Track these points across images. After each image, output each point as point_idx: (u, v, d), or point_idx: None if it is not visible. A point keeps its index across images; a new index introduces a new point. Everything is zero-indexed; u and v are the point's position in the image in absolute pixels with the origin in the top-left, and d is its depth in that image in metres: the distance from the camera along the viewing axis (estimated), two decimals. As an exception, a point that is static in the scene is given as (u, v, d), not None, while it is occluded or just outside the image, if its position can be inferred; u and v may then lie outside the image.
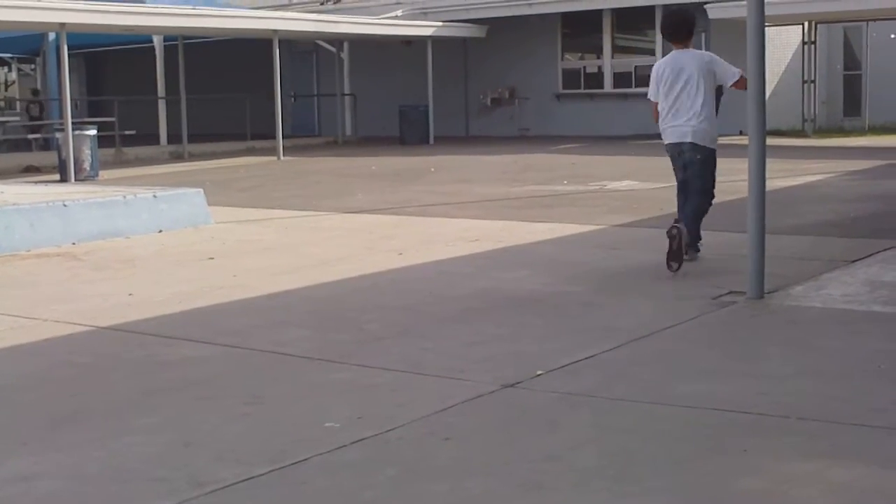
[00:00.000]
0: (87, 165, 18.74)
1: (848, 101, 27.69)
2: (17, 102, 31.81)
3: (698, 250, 8.06)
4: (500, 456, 3.96)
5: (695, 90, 7.89)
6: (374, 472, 3.81)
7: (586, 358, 5.32)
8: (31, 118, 28.14)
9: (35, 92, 31.02)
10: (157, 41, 26.87)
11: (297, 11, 25.72)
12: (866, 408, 4.43)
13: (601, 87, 27.17)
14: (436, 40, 26.67)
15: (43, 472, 3.92)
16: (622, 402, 4.62)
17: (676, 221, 7.68)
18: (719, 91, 8.09)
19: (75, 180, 18.02)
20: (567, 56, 28.04)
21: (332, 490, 3.68)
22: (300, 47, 30.81)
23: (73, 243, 9.85)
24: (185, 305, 6.95)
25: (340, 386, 4.99)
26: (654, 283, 7.34)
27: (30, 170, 20.81)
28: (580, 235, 9.86)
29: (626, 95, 26.37)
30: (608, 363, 5.26)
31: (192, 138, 24.75)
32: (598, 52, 27.53)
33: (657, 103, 8.21)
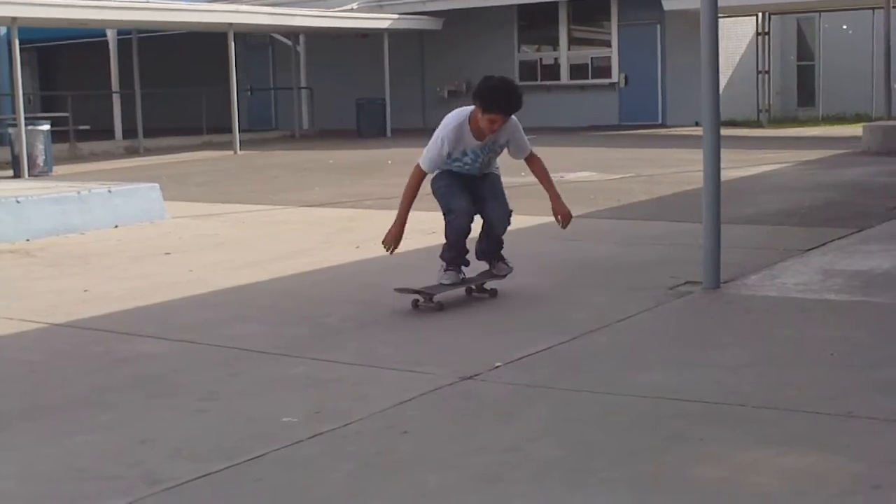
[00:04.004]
0: (40, 161, 18.54)
1: (802, 92, 27.96)
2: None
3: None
4: (458, 448, 3.96)
5: None
6: (331, 467, 3.80)
7: (544, 349, 5.33)
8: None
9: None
10: (111, 35, 26.62)
11: (252, 4, 25.55)
12: (819, 395, 4.47)
13: (558, 78, 27.25)
14: (392, 33, 26.62)
15: (-4, 471, 3.88)
16: (579, 393, 4.64)
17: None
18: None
19: (29, 176, 17.83)
20: (524, 48, 28.09)
21: (288, 486, 3.66)
22: (255, 40, 30.65)
23: (27, 240, 9.75)
24: (141, 301, 6.89)
25: (298, 380, 4.97)
26: (612, 275, 7.37)
27: (-18, 166, 20.57)
28: (537, 227, 9.86)
29: (582, 87, 26.45)
30: (565, 355, 5.27)
31: (148, 133, 24.56)
32: (555, 44, 27.60)
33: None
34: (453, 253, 6.69)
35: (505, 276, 6.81)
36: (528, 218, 10.34)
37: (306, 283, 7.43)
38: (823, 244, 8.17)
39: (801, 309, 6.18)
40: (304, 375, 5.05)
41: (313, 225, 10.55)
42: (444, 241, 6.77)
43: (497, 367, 5.02)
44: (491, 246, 6.81)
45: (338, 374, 5.04)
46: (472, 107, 6.39)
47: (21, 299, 7.08)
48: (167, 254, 8.88)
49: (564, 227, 6.75)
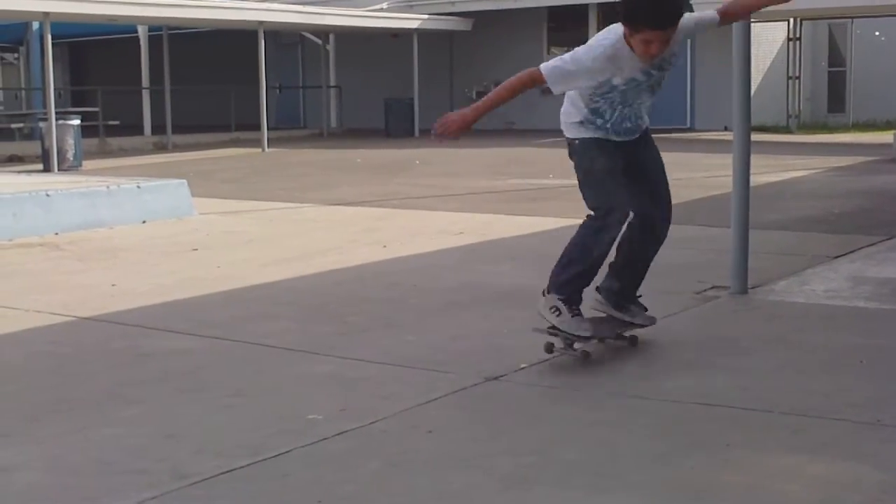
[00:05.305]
0: (70, 155, 18.68)
1: (832, 98, 27.83)
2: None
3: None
4: (482, 449, 3.96)
5: None
6: (356, 465, 3.80)
7: (569, 352, 5.31)
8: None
9: None
10: (142, 31, 26.78)
11: (283, 3, 25.63)
12: (847, 403, 4.44)
13: (587, 81, 27.16)
14: (421, 33, 26.65)
15: (23, 463, 3.90)
16: (605, 396, 4.62)
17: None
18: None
19: (59, 170, 17.95)
20: (553, 50, 28.03)
21: (313, 483, 3.67)
22: (286, 39, 30.75)
23: (56, 233, 9.81)
24: (168, 296, 6.92)
25: (323, 378, 4.98)
26: (638, 278, 7.34)
27: (13, 159, 20.73)
28: (565, 229, 9.79)
29: (611, 90, 26.37)
30: (591, 357, 5.25)
31: (177, 129, 24.68)
32: (584, 46, 27.53)
33: None
34: (583, 281, 5.02)
35: (648, 325, 5.35)
36: (557, 220, 10.33)
37: (333, 282, 7.44)
38: (852, 251, 8.11)
39: (830, 316, 6.14)
40: (330, 373, 5.06)
41: (340, 223, 10.57)
42: (561, 253, 5.06)
43: (522, 368, 5.02)
44: (637, 271, 5.22)
45: (364, 372, 5.05)
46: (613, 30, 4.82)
47: (50, 293, 7.13)
48: (195, 250, 8.92)
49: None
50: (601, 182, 4.95)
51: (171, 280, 7.52)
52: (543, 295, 5.05)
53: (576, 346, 5.05)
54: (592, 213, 4.97)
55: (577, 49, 4.83)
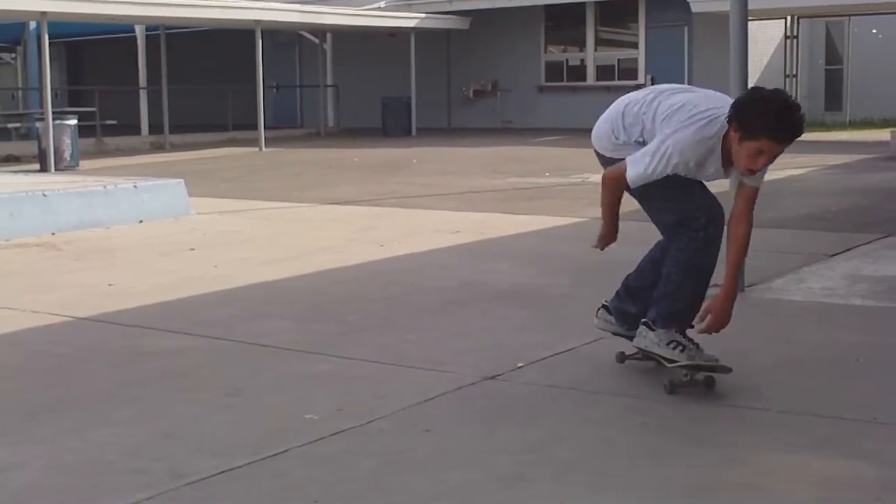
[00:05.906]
0: (67, 155, 18.65)
1: (829, 96, 27.81)
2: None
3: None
4: (480, 448, 3.96)
5: None
6: (353, 464, 3.80)
7: (567, 350, 5.32)
8: None
9: None
10: (139, 31, 26.74)
11: (280, 2, 25.61)
12: (844, 401, 4.45)
13: (584, 79, 27.19)
14: (419, 32, 26.64)
15: (20, 462, 3.90)
16: (603, 394, 4.63)
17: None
18: None
19: (56, 170, 17.92)
20: (550, 49, 28.04)
21: (311, 482, 3.67)
22: (283, 38, 30.71)
23: (53, 233, 9.80)
24: (166, 296, 6.92)
25: (321, 377, 4.98)
26: (636, 276, 7.34)
27: (9, 159, 20.69)
28: (562, 228, 9.86)
29: (608, 88, 26.33)
30: (589, 356, 5.26)
31: (174, 129, 24.65)
32: (581, 45, 27.54)
33: None
34: (697, 301, 4.59)
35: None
36: (554, 219, 10.34)
37: (330, 281, 7.44)
38: (849, 249, 8.12)
39: (827, 314, 6.15)
40: (327, 372, 5.05)
41: (338, 222, 10.57)
42: (664, 282, 4.65)
43: (520, 367, 5.02)
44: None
45: (361, 371, 5.05)
46: (716, 115, 4.35)
47: (47, 292, 7.12)
48: (192, 249, 8.91)
49: (702, 330, 4.60)
50: (684, 189, 4.57)
51: (168, 279, 7.51)
52: (651, 329, 4.67)
53: (698, 376, 4.58)
54: (685, 226, 4.57)
55: (659, 143, 4.42)
